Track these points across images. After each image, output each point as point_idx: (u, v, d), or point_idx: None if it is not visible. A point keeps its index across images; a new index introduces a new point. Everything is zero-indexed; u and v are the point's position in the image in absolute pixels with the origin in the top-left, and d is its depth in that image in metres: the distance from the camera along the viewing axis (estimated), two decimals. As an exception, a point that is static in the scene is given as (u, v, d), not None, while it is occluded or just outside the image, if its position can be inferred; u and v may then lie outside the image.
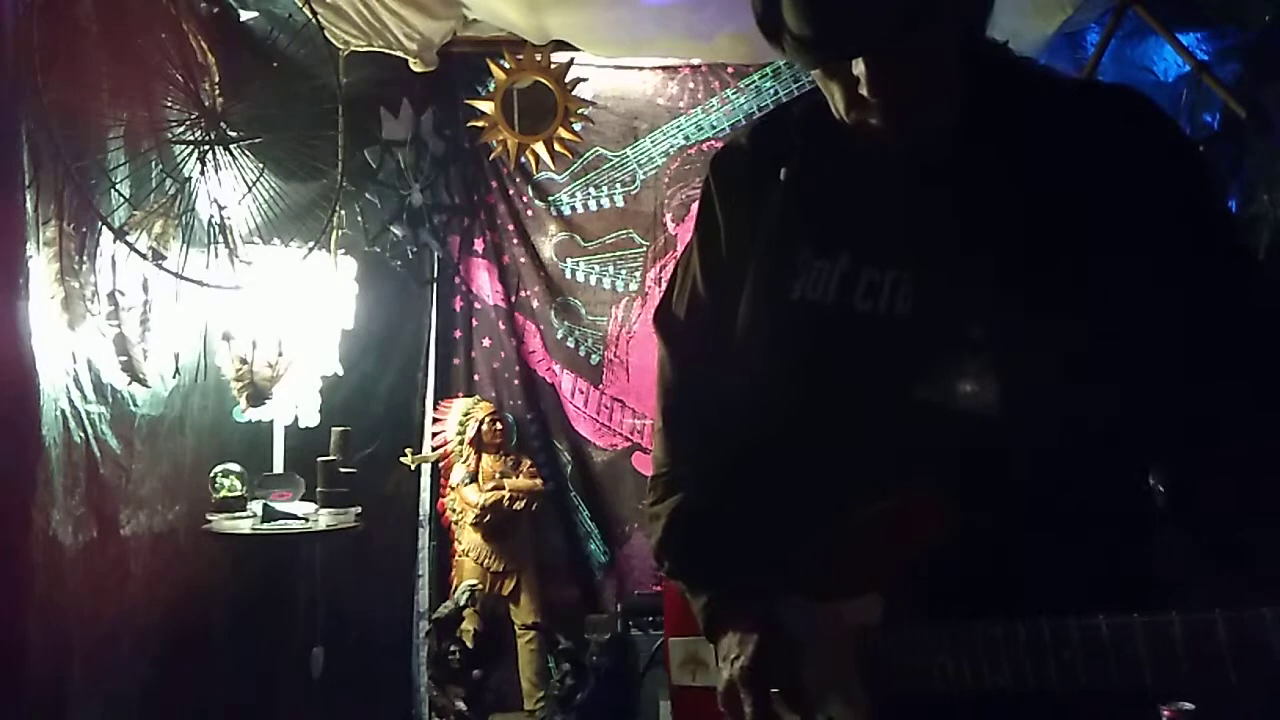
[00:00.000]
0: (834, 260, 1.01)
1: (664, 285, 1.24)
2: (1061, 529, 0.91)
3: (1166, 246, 0.91)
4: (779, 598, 1.05)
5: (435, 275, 3.56)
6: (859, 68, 0.90)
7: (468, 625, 3.18)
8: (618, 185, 3.59)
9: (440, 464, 3.44)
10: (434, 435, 3.47)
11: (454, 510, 3.38)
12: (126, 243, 2.28)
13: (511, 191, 3.59)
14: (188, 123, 2.48)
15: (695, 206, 1.22)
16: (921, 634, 0.91)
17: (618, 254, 3.58)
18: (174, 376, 2.62)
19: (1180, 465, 0.97)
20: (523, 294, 3.59)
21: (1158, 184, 0.92)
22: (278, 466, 2.90)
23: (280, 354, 2.75)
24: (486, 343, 3.57)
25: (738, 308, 1.08)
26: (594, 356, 3.56)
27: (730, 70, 3.55)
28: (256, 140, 2.60)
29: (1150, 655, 0.75)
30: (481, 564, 3.30)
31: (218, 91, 2.64)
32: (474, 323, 3.57)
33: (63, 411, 2.13)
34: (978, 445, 0.91)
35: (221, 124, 2.52)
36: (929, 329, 0.95)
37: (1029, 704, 0.85)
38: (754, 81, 3.54)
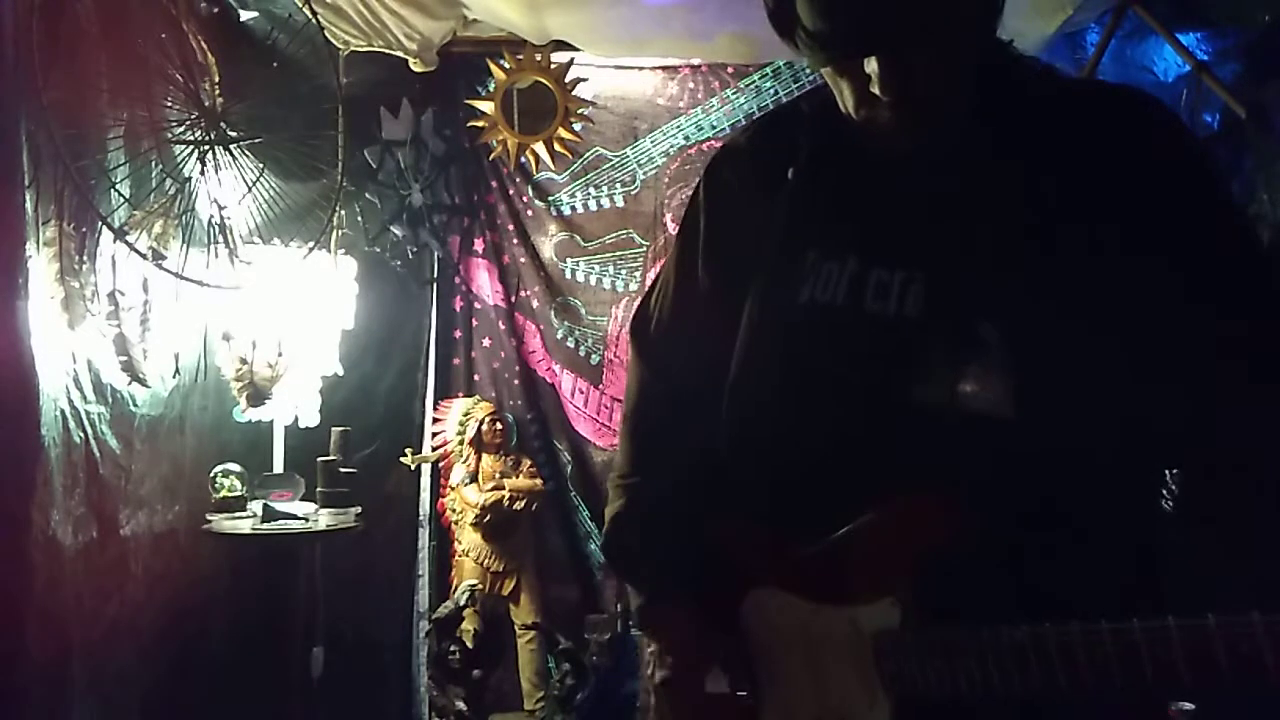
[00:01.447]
0: (843, 261, 1.01)
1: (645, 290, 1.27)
2: (1075, 530, 0.90)
3: (1177, 247, 0.90)
4: (771, 605, 1.05)
5: (435, 275, 3.56)
6: (871, 66, 0.90)
7: (468, 625, 3.18)
8: (618, 185, 3.59)
9: (440, 464, 3.44)
10: (434, 435, 3.47)
11: (454, 510, 3.38)
12: (126, 243, 2.27)
13: (511, 191, 3.58)
14: (188, 123, 2.48)
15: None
16: (945, 636, 0.91)
17: (618, 254, 3.58)
18: (174, 376, 2.62)
19: (1192, 467, 0.97)
20: (523, 294, 3.59)
21: (1167, 184, 0.92)
22: (278, 466, 2.90)
23: (280, 354, 2.75)
24: (486, 343, 3.57)
25: (719, 314, 1.09)
26: (594, 356, 3.56)
27: (730, 70, 3.54)
28: (256, 140, 2.60)
29: (1184, 659, 0.74)
30: (481, 564, 3.30)
31: (218, 91, 2.64)
32: (474, 323, 3.57)
33: (62, 411, 2.13)
34: (988, 445, 0.90)
35: (221, 124, 2.52)
36: (939, 329, 0.95)
37: (1051, 705, 0.84)
38: (754, 81, 3.54)
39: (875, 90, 0.91)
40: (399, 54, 3.18)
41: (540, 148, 3.43)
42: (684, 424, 1.15)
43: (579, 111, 3.45)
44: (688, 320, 1.18)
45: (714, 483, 1.11)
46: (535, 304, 3.58)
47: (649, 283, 3.48)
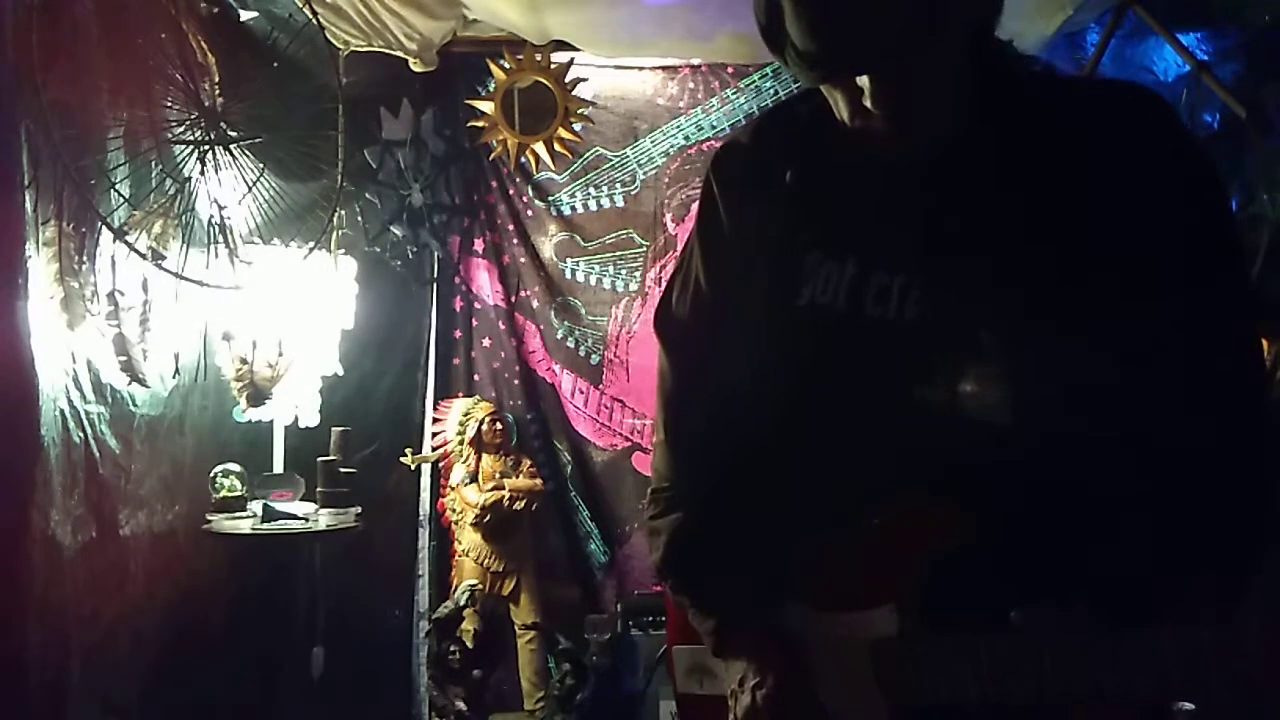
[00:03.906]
0: (842, 265, 1.00)
1: (663, 287, 1.21)
2: (1072, 534, 0.90)
3: (1175, 249, 0.90)
4: (787, 614, 1.04)
5: (435, 275, 3.56)
6: (863, 80, 0.90)
7: (468, 625, 3.18)
8: (618, 185, 3.59)
9: (440, 464, 3.44)
10: (434, 435, 3.47)
11: (454, 510, 3.38)
12: (126, 243, 2.27)
13: (511, 191, 3.58)
14: (188, 123, 2.48)
15: (695, 206, 1.20)
16: (940, 644, 0.90)
17: (618, 254, 3.58)
18: (174, 376, 2.62)
19: (1185, 467, 0.97)
20: (523, 294, 3.59)
21: (1164, 185, 0.91)
22: (278, 466, 2.90)
23: (280, 354, 2.75)
24: (486, 343, 3.57)
25: (742, 312, 1.07)
26: (594, 356, 3.56)
27: (730, 70, 3.55)
28: (256, 140, 2.60)
29: (1175, 666, 0.74)
30: (481, 564, 3.30)
31: (218, 91, 2.64)
32: (474, 323, 3.57)
33: (62, 411, 2.13)
34: (988, 450, 0.90)
35: (221, 124, 2.52)
36: (939, 333, 0.95)
37: (1046, 711, 0.84)
38: (754, 81, 3.54)
39: (868, 103, 0.91)
40: (399, 54, 3.18)
41: (540, 148, 3.43)
42: (732, 424, 1.09)
43: (579, 111, 3.45)
44: (721, 314, 1.11)
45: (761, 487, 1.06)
46: (535, 304, 3.58)
47: (650, 282, 3.51)
